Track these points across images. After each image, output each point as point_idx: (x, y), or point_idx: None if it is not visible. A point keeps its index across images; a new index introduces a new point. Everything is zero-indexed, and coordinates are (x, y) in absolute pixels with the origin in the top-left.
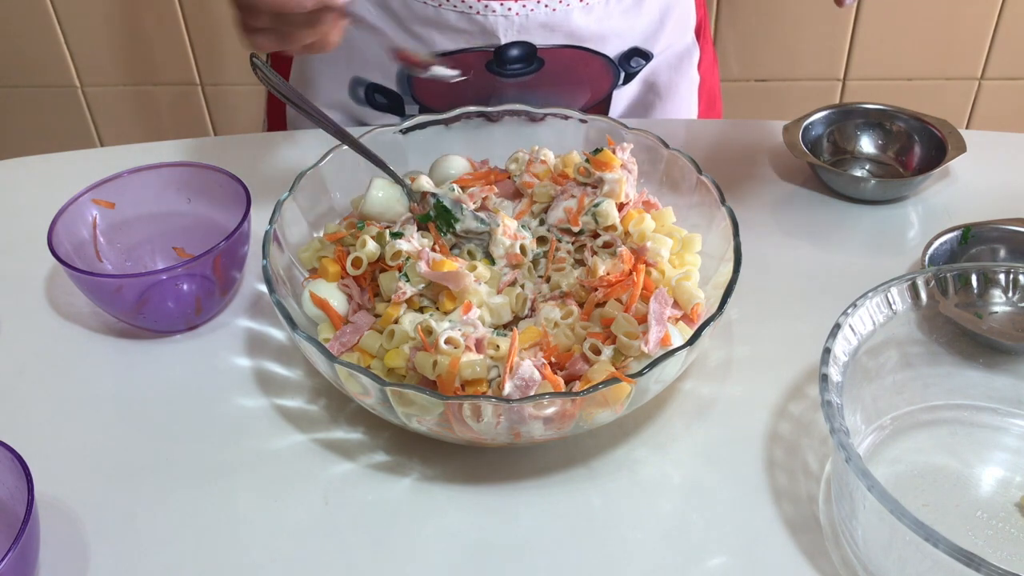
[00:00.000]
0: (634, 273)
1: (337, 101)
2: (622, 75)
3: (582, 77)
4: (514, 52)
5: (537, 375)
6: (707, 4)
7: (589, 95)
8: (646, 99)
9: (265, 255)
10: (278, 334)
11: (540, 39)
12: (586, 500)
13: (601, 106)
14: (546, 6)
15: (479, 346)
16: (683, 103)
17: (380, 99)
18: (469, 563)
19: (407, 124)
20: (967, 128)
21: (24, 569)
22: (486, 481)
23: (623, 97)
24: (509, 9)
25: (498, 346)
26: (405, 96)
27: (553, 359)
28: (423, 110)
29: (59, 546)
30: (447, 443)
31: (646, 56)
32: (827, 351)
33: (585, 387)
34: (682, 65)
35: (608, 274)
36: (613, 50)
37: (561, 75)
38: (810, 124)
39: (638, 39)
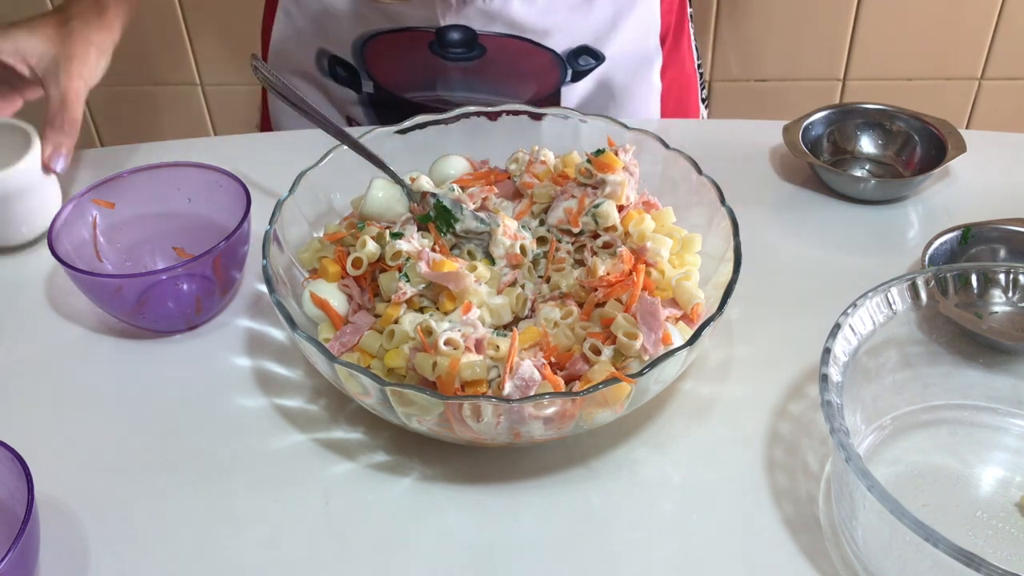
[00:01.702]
0: (634, 273)
1: (306, 71)
2: (570, 72)
3: (526, 69)
4: (454, 36)
5: (537, 375)
6: (701, 6)
7: (535, 88)
8: (599, 99)
9: (265, 255)
10: (278, 334)
11: (479, 25)
12: (586, 500)
13: (550, 100)
14: None
15: (479, 346)
16: (640, 107)
17: (340, 72)
18: (469, 563)
19: (406, 124)
20: (967, 128)
21: (24, 569)
22: (486, 481)
23: (574, 94)
24: None
25: (498, 346)
26: (360, 71)
27: (553, 359)
28: (376, 86)
29: (59, 546)
30: (447, 443)
31: (596, 56)
32: (827, 351)
33: (585, 387)
34: (640, 70)
35: (608, 274)
36: (560, 45)
37: (505, 64)
38: (810, 124)
39: (588, 38)
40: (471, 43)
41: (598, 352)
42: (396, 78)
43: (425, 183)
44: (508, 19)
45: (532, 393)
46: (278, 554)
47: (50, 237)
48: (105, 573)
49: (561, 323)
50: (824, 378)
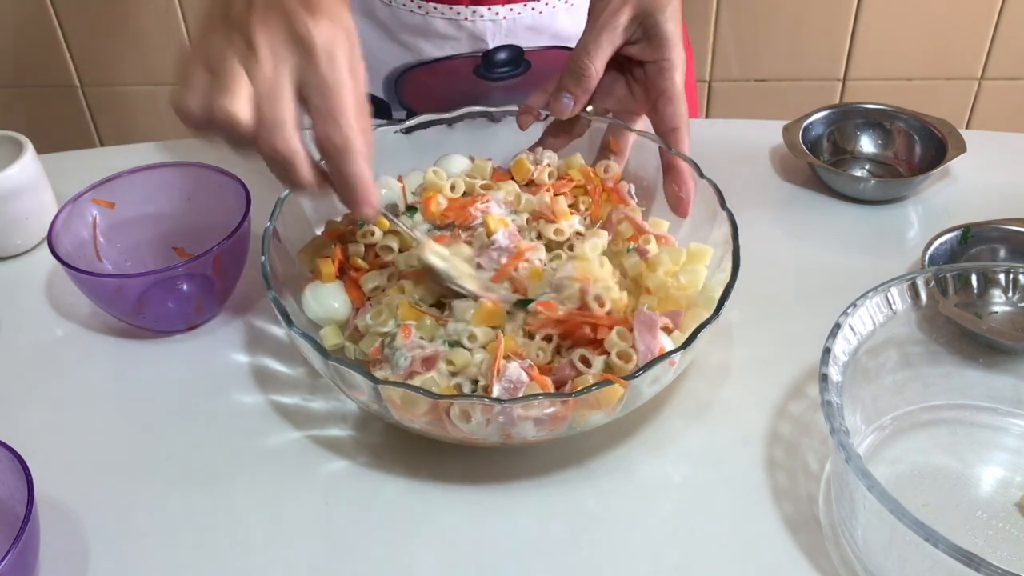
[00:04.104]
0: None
1: None
2: None
3: None
4: (502, 55)
5: (524, 376)
6: (701, 6)
7: None
8: None
9: (264, 252)
10: (278, 333)
11: (526, 41)
12: (584, 500)
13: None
14: (532, 8)
15: (430, 363)
16: None
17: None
18: (467, 563)
19: (409, 124)
20: (967, 128)
21: (24, 569)
22: (484, 481)
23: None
24: (496, 13)
25: (453, 362)
26: (392, 104)
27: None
28: (410, 114)
29: (59, 546)
30: (445, 443)
31: None
32: (827, 351)
33: (577, 389)
34: None
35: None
36: None
37: (547, 77)
38: (810, 124)
39: None
40: (517, 60)
41: (588, 364)
42: (435, 106)
43: (432, 258)
44: (554, 31)
45: (521, 394)
46: (278, 553)
47: (50, 237)
48: (105, 573)
49: (536, 342)
50: (824, 378)
